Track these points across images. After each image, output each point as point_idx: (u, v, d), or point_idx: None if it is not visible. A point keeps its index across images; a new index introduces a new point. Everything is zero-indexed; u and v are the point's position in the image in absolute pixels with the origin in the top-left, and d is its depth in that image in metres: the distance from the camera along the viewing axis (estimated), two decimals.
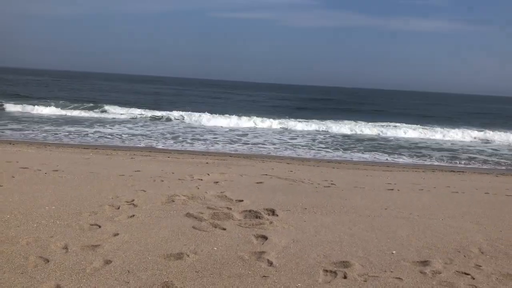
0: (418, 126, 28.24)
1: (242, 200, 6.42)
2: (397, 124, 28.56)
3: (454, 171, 13.61)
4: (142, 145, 16.54)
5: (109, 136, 18.25)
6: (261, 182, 8.11)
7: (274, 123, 25.81)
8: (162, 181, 7.66)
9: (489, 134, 25.65)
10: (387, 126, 27.55)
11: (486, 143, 23.72)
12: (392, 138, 23.58)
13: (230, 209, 5.91)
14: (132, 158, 11.11)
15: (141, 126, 22.92)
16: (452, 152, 19.57)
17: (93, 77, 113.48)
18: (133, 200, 6.06)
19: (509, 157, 18.77)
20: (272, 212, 5.89)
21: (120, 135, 18.90)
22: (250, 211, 5.80)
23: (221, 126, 24.39)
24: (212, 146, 17.36)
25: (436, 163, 16.18)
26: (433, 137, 24.27)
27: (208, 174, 8.68)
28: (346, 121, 28.50)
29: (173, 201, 6.13)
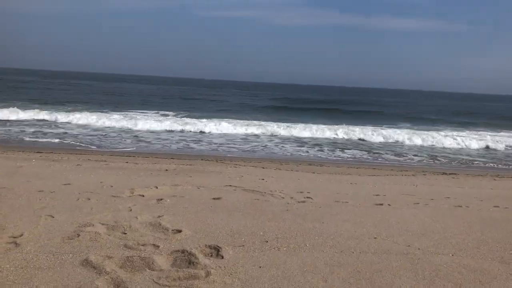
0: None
1: (180, 231, 4.49)
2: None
3: (446, 174, 11.81)
4: (94, 148, 14.53)
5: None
6: (218, 198, 6.17)
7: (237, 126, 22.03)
8: (89, 199, 5.69)
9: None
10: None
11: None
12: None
13: (158, 247, 3.97)
14: (78, 165, 9.11)
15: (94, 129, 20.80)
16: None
17: (68, 77, 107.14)
18: (21, 235, 4.10)
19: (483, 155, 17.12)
20: (216, 251, 3.96)
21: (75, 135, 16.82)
22: (183, 251, 3.86)
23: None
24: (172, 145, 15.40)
25: (422, 160, 14.41)
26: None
27: (156, 187, 6.73)
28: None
29: (79, 235, 4.17)
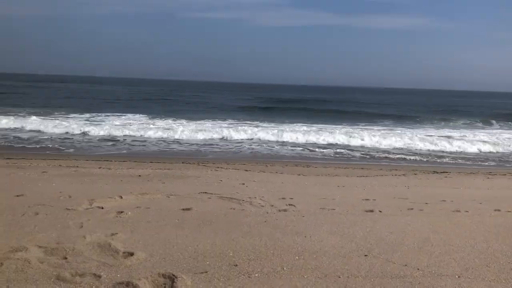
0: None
1: (132, 254, 3.66)
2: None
3: (437, 172, 11.09)
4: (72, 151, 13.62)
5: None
6: (188, 209, 5.35)
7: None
8: (37, 214, 4.83)
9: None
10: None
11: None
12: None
13: (99, 277, 3.15)
14: (44, 172, 8.22)
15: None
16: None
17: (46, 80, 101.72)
18: None
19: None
20: (171, 282, 3.14)
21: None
22: (127, 284, 3.03)
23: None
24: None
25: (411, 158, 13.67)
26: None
27: (121, 197, 5.88)
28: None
29: (2, 264, 3.33)
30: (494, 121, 29.41)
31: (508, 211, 5.96)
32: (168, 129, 18.56)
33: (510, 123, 28.80)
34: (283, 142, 16.91)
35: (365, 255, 3.90)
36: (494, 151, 16.64)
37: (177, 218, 4.89)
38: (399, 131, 21.09)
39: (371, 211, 5.66)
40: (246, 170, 9.89)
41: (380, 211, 5.65)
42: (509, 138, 19.60)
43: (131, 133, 17.47)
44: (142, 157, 12.65)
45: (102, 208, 5.24)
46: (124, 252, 3.68)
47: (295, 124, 22.44)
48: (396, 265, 3.67)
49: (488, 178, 10.31)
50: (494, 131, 24.34)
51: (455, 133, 21.72)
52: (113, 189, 6.52)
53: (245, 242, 4.14)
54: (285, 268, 3.53)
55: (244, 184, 7.58)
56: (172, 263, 3.53)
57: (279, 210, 5.49)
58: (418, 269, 3.61)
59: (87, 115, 23.81)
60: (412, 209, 5.89)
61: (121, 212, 5.05)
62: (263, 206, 5.69)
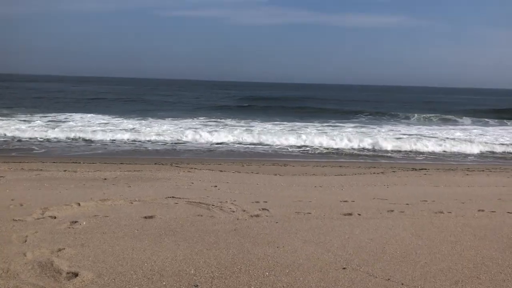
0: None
1: (77, 275, 3.13)
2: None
3: (416, 169, 10.78)
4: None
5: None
6: (151, 217, 4.82)
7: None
8: None
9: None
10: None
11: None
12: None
13: None
14: (1, 177, 7.56)
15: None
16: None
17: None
18: None
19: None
20: None
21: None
22: None
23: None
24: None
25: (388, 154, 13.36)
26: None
27: (79, 204, 5.31)
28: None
29: None
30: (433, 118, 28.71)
31: (492, 211, 5.62)
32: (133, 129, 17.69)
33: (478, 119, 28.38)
34: (259, 142, 16.13)
35: (344, 268, 3.45)
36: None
37: (137, 228, 4.37)
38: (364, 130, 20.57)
39: (350, 214, 5.24)
40: (221, 171, 9.38)
41: (359, 214, 5.23)
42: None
43: (82, 135, 15.84)
44: (115, 158, 12.01)
45: (55, 217, 4.67)
46: (68, 273, 3.15)
47: (271, 122, 21.91)
48: (378, 280, 3.23)
49: (467, 174, 10.04)
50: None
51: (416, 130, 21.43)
52: (73, 195, 5.95)
53: (210, 255, 3.64)
54: (254, 285, 3.05)
55: (216, 186, 7.07)
56: (122, 285, 3.01)
57: (251, 216, 5.01)
58: (402, 283, 3.18)
59: (51, 115, 22.43)
60: (392, 211, 5.48)
61: (75, 222, 4.49)
62: (234, 211, 5.20)
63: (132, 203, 5.53)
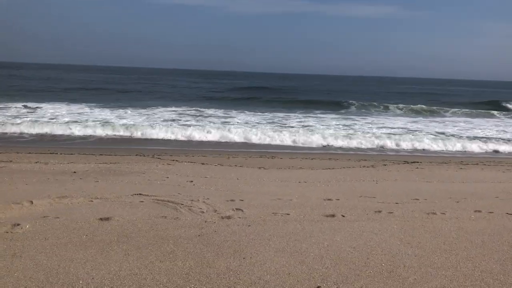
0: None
1: None
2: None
3: (408, 162, 10.20)
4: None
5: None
6: (107, 219, 4.20)
7: None
8: None
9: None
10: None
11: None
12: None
13: None
14: None
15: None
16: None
17: None
18: None
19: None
20: None
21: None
22: None
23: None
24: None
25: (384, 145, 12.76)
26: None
27: (31, 202, 4.70)
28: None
29: None
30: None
31: (490, 212, 5.03)
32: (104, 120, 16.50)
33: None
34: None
35: (318, 287, 2.85)
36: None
37: (86, 233, 3.75)
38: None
39: (332, 216, 4.64)
40: (203, 164, 8.76)
41: (343, 216, 4.63)
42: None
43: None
44: (97, 148, 11.35)
45: None
46: None
47: (252, 113, 20.94)
48: None
49: (461, 168, 9.47)
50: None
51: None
52: (30, 191, 5.31)
53: (161, 269, 3.04)
54: None
55: (192, 181, 6.45)
56: None
57: (222, 218, 4.40)
58: None
59: (28, 104, 20.78)
60: (380, 211, 4.89)
61: (17, 225, 3.87)
62: (203, 212, 4.59)
63: (92, 201, 4.91)
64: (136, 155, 10.12)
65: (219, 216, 4.43)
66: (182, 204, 4.87)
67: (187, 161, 9.18)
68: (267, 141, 13.68)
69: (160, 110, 20.77)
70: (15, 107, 19.27)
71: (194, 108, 21.89)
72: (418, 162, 10.38)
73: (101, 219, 4.18)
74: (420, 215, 4.78)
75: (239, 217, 4.43)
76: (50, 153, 9.94)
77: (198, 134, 14.03)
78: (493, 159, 11.63)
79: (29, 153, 9.85)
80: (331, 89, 51.68)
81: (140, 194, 5.35)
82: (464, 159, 11.40)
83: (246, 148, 12.50)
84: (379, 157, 11.39)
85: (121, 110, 19.80)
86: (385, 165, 9.66)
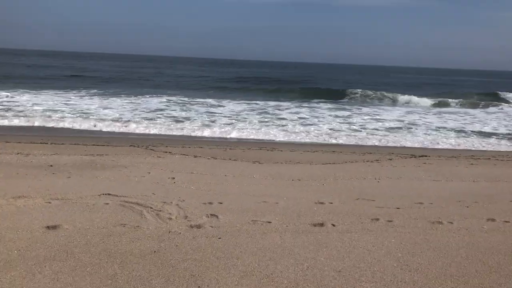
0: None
1: None
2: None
3: (415, 156, 9.38)
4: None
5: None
6: (55, 227, 3.53)
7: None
8: None
9: None
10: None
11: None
12: None
13: None
14: None
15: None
16: None
17: None
18: None
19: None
20: None
21: None
22: None
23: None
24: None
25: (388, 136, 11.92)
26: None
27: None
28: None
29: None
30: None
31: (506, 221, 4.25)
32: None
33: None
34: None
35: None
36: None
37: (20, 247, 3.08)
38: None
39: (321, 225, 3.90)
40: (195, 156, 8.08)
41: (333, 225, 3.90)
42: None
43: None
44: (92, 137, 10.75)
45: None
46: None
47: (245, 101, 19.99)
48: None
49: (471, 164, 8.62)
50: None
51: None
52: None
53: None
54: None
55: (174, 178, 5.76)
56: None
57: (191, 226, 3.70)
58: None
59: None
60: (377, 219, 4.13)
61: None
62: (171, 218, 3.89)
63: (50, 202, 4.24)
64: (130, 145, 9.48)
65: (188, 225, 3.73)
66: (150, 208, 4.18)
67: (180, 153, 8.50)
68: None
69: (151, 99, 19.76)
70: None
71: (181, 98, 20.45)
72: (426, 156, 9.56)
73: (48, 227, 3.51)
74: (424, 225, 4.02)
75: (211, 226, 3.73)
76: (40, 143, 9.33)
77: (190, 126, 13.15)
78: (507, 154, 10.72)
79: (19, 142, 9.27)
80: (334, 78, 50.08)
81: (108, 194, 4.67)
82: (475, 153, 10.52)
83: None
84: (386, 150, 10.57)
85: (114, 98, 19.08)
86: (390, 159, 8.87)
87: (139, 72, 45.24)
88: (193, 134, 12.34)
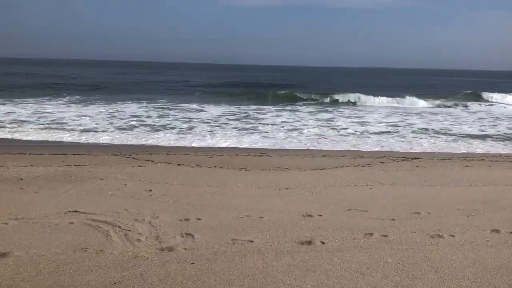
0: None
1: None
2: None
3: (407, 159, 8.99)
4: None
5: None
6: (4, 255, 3.04)
7: None
8: None
9: None
10: None
11: None
12: None
13: None
14: None
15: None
16: None
17: None
18: None
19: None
20: None
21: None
22: None
23: None
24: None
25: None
26: None
27: None
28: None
29: None
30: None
31: (511, 232, 3.82)
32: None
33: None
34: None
35: None
36: None
37: None
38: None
39: (309, 242, 3.45)
40: (179, 165, 7.59)
41: (323, 243, 3.44)
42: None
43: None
44: (72, 147, 10.23)
45: None
46: None
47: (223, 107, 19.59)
48: None
49: (466, 166, 8.22)
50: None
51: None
52: None
53: None
54: None
55: (151, 191, 5.27)
56: None
57: (162, 249, 3.23)
58: None
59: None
60: (371, 234, 3.69)
61: None
62: (140, 240, 3.41)
63: (6, 223, 3.75)
64: (112, 154, 8.98)
65: (158, 248, 3.26)
66: (119, 227, 3.70)
67: (163, 161, 8.01)
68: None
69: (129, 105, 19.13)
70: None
71: (160, 104, 20.08)
72: (418, 158, 9.16)
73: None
74: (423, 240, 3.58)
75: (184, 249, 3.25)
76: (18, 154, 8.79)
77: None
78: (500, 154, 10.37)
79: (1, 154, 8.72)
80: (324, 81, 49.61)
81: (75, 211, 4.18)
82: (468, 155, 10.15)
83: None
84: (377, 153, 10.17)
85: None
86: (382, 162, 8.45)
87: (128, 79, 44.52)
88: (171, 143, 11.51)
